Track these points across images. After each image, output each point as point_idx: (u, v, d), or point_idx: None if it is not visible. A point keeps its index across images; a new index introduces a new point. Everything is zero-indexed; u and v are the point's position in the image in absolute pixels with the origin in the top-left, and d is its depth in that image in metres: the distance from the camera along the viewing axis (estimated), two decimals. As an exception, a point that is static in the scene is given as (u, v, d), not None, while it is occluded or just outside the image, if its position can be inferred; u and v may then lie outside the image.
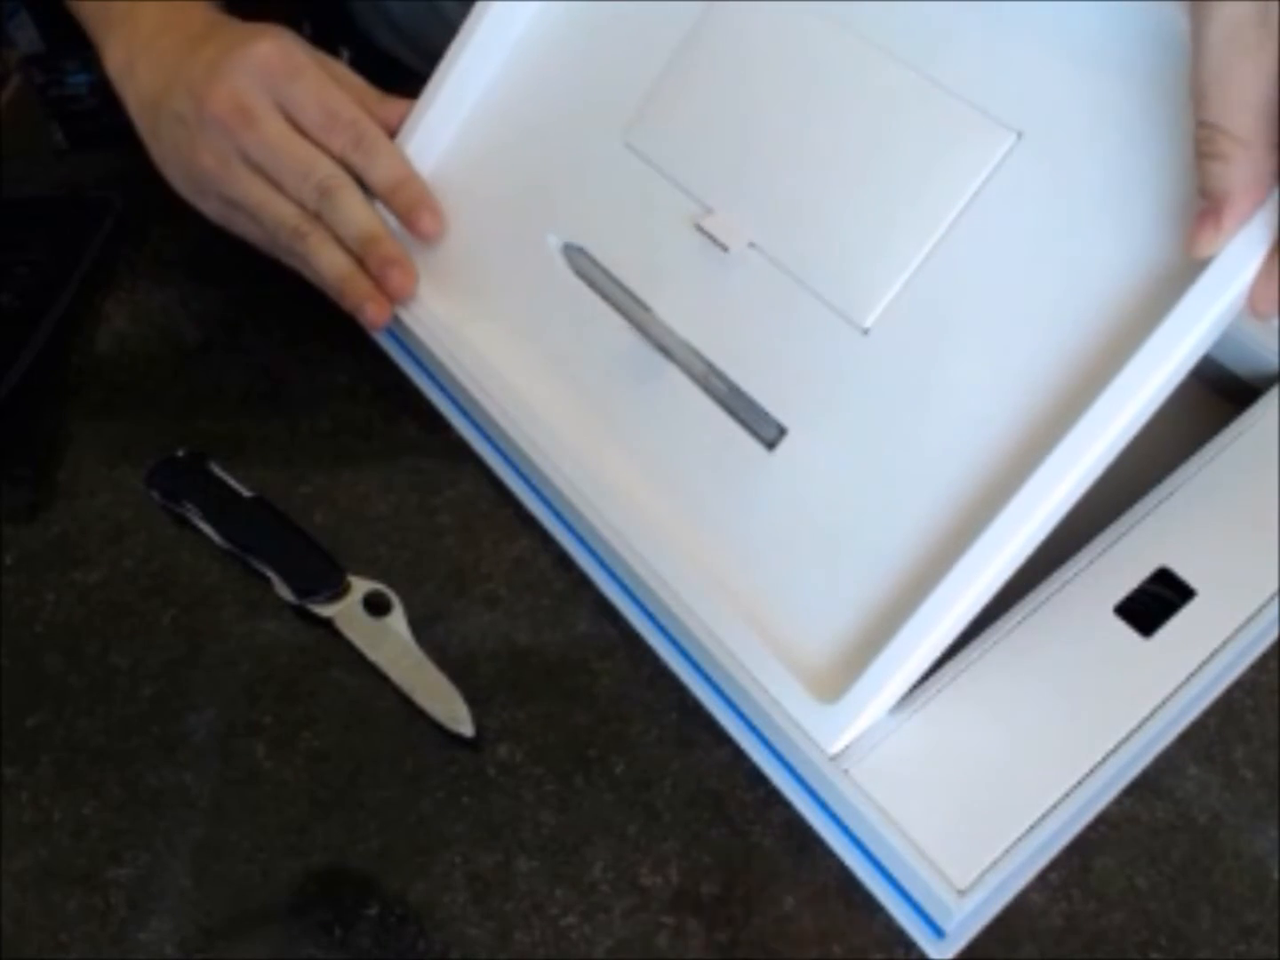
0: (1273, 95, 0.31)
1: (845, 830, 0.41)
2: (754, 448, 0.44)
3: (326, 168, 0.52)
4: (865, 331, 0.42)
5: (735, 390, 0.45)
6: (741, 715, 0.44)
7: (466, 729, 0.45)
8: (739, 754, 0.44)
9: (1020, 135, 0.40)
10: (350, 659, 0.47)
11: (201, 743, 0.46)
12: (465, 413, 0.53)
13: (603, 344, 0.48)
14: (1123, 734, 0.41)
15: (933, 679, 0.41)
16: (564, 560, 0.50)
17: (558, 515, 0.50)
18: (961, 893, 0.38)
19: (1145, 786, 0.43)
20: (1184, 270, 0.36)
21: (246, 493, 0.51)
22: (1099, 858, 0.41)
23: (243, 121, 0.52)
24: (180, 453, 0.53)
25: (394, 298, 0.52)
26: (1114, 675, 0.42)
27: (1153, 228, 0.38)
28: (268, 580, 0.49)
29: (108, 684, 0.48)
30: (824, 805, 0.42)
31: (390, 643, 0.47)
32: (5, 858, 0.44)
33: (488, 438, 0.52)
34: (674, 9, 0.49)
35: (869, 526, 0.42)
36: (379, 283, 0.52)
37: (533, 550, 0.50)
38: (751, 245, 0.45)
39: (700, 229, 0.46)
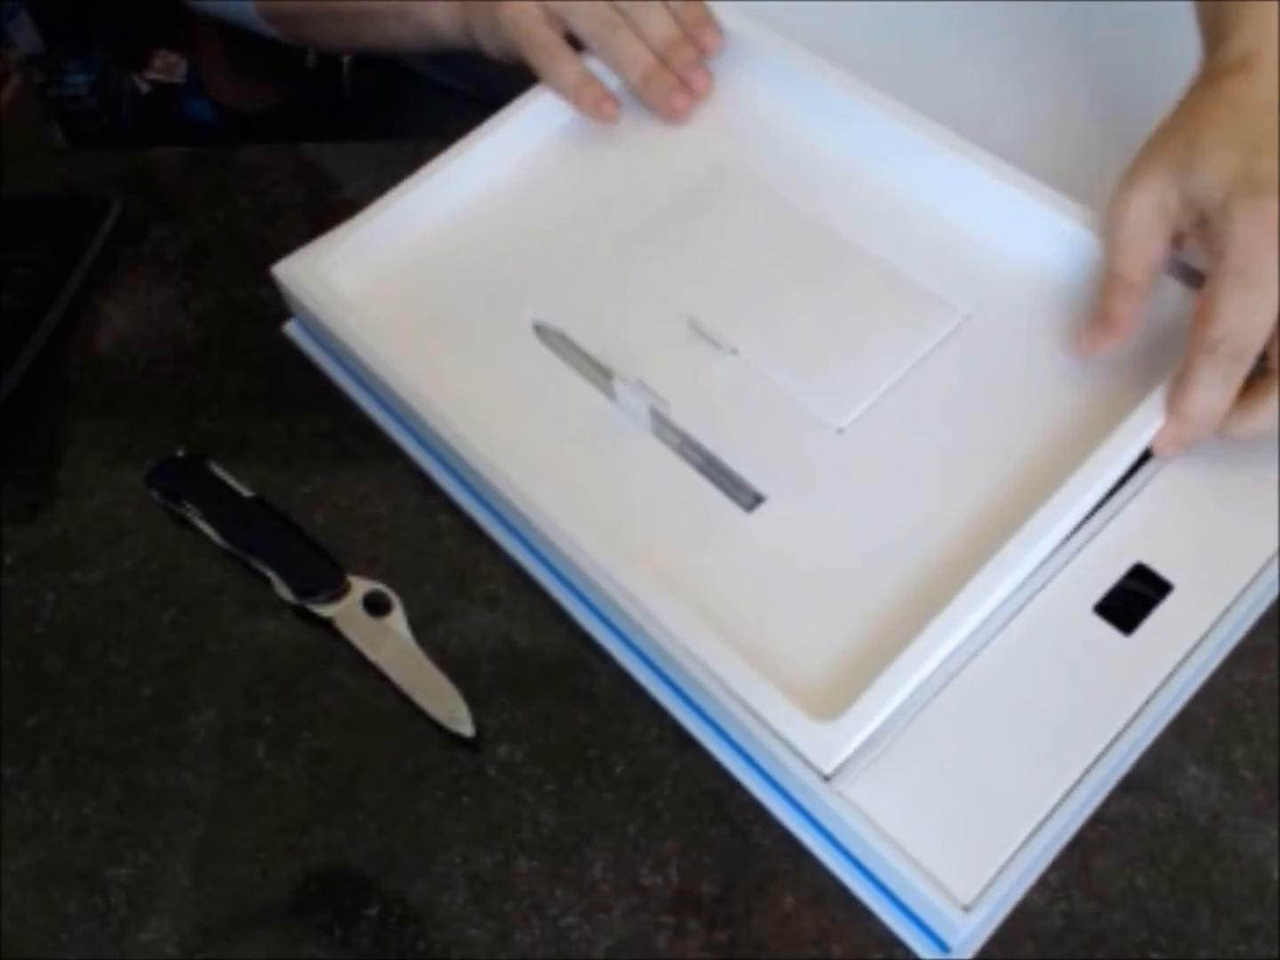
0: (1161, 263, 0.47)
1: (841, 849, 0.41)
2: (733, 508, 0.47)
3: None
4: (840, 430, 0.48)
5: (712, 459, 0.48)
6: (730, 740, 0.43)
7: (466, 729, 0.45)
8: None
9: (969, 317, 0.51)
10: (350, 659, 0.47)
11: (201, 743, 0.46)
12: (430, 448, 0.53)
13: (576, 409, 0.50)
14: (1113, 733, 0.41)
15: (921, 691, 0.41)
16: (564, 560, 0.50)
17: (528, 546, 0.49)
18: (966, 908, 0.37)
19: (1145, 786, 0.43)
20: (1098, 417, 0.47)
21: (246, 493, 0.51)
22: (1099, 858, 0.41)
23: None
24: (180, 453, 0.53)
25: (696, 96, 0.58)
26: (1099, 675, 0.42)
27: (1065, 384, 0.49)
28: (268, 580, 0.49)
29: (108, 684, 0.48)
30: (818, 825, 0.41)
31: (390, 643, 0.47)
32: (5, 858, 0.44)
33: (446, 465, 0.52)
34: (684, 157, 0.58)
35: (850, 571, 0.45)
36: (682, 82, 0.57)
37: (533, 550, 0.50)
38: (734, 352, 0.51)
39: (695, 327, 0.51)
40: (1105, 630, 0.43)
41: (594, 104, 0.58)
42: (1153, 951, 0.40)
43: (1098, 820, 0.42)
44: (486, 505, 0.50)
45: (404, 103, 0.86)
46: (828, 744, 0.39)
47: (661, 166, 0.58)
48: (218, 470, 0.52)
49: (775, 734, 0.40)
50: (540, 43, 0.58)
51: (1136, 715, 0.41)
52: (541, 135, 0.59)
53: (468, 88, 0.82)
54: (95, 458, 0.55)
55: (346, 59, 0.97)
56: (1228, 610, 0.43)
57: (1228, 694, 0.44)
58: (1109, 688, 0.42)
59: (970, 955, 0.40)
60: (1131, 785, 0.43)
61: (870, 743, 0.40)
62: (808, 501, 0.47)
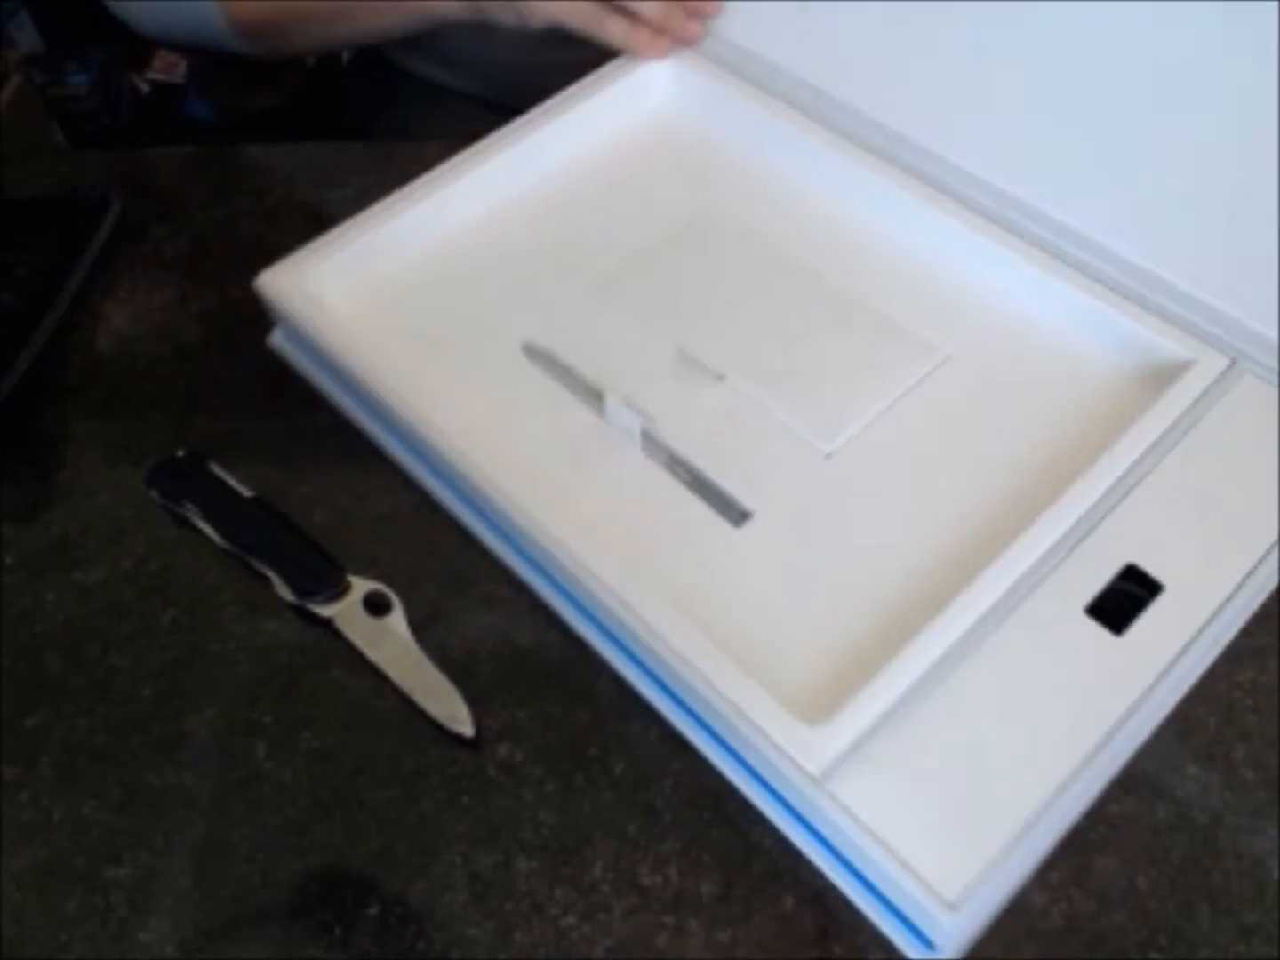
0: None
1: (832, 850, 0.41)
2: (721, 524, 0.48)
3: None
4: (828, 456, 0.49)
5: (700, 477, 0.49)
6: (724, 743, 0.43)
7: (466, 729, 0.45)
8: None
9: (949, 357, 0.52)
10: (350, 659, 0.47)
11: (201, 743, 0.46)
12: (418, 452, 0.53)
13: (567, 426, 0.51)
14: (1103, 733, 0.41)
15: (911, 693, 0.41)
16: (564, 560, 0.50)
17: (523, 554, 0.49)
18: (951, 906, 0.37)
19: (1145, 786, 0.43)
20: (1074, 447, 0.48)
21: (246, 493, 0.51)
22: (1099, 858, 0.41)
23: None
24: (180, 453, 0.53)
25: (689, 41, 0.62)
26: (1090, 675, 0.42)
27: (1040, 417, 0.50)
28: (268, 580, 0.49)
29: (108, 684, 0.48)
30: (809, 826, 0.42)
31: (390, 643, 0.47)
32: (5, 858, 0.44)
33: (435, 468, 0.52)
34: (675, 200, 0.59)
35: (839, 583, 0.46)
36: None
37: (533, 550, 0.50)
38: (722, 378, 0.52)
39: (684, 353, 0.52)
40: (1096, 631, 0.43)
41: (647, 45, 0.61)
42: (1153, 951, 0.40)
43: (1098, 820, 0.42)
44: (480, 512, 0.50)
45: (404, 103, 0.86)
46: (817, 746, 0.40)
47: (653, 207, 0.59)
48: (218, 470, 0.52)
49: (766, 737, 0.40)
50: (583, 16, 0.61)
51: (1128, 714, 0.41)
52: (536, 170, 0.59)
53: (468, 87, 0.82)
54: (95, 458, 0.55)
55: (346, 58, 0.97)
56: (1220, 610, 0.43)
57: (1228, 694, 0.44)
58: (1100, 687, 0.42)
59: (959, 956, 0.39)
60: (1131, 785, 0.43)
61: (859, 744, 0.40)
62: (795, 518, 0.48)
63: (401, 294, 0.55)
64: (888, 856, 0.38)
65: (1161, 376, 0.49)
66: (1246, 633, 0.44)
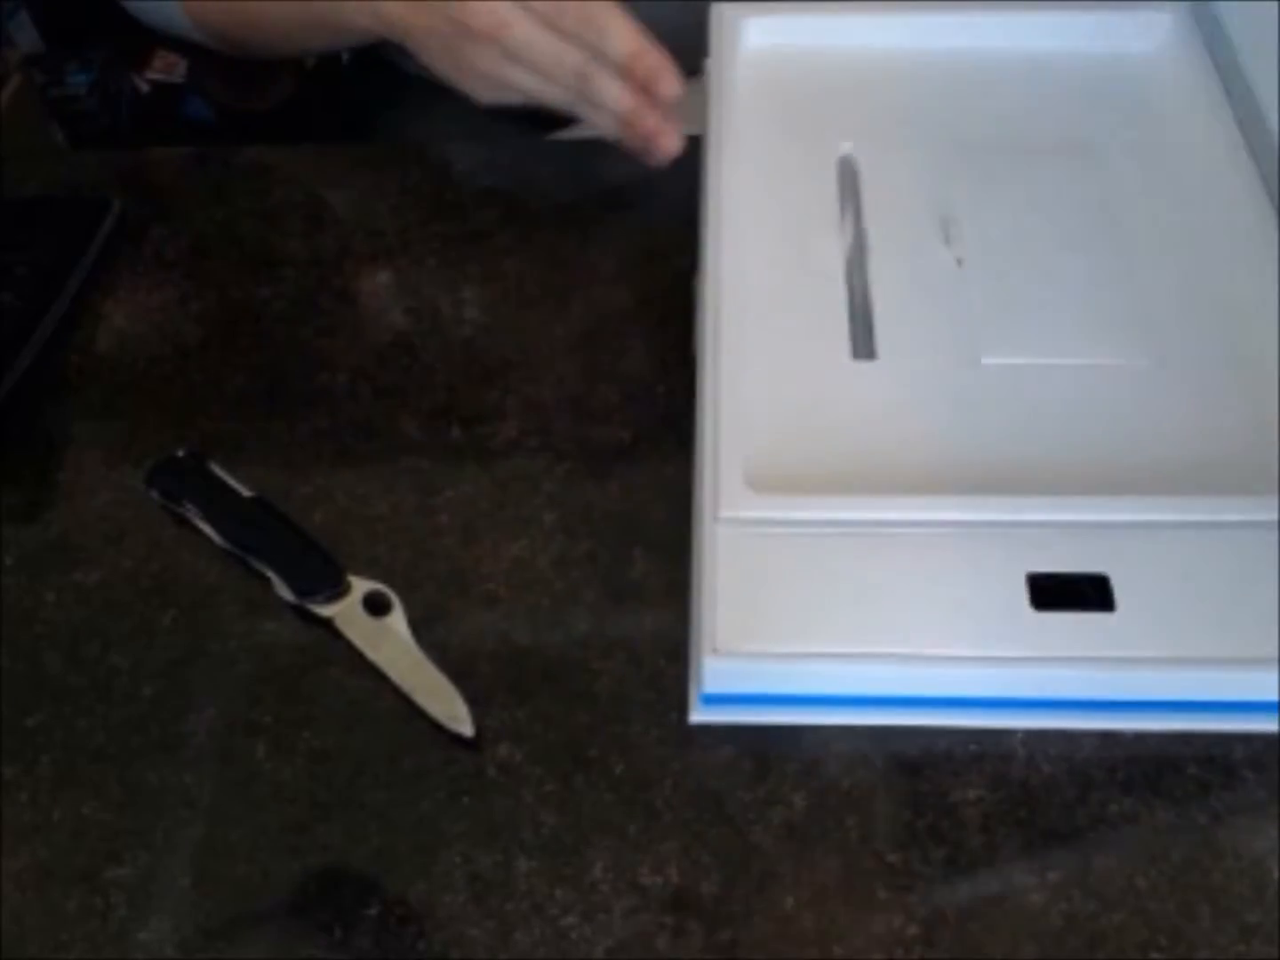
0: None
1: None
2: (846, 349, 0.52)
3: (573, 57, 0.56)
4: (978, 365, 0.51)
5: (864, 308, 0.54)
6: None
7: (466, 729, 0.45)
8: (739, 754, 0.44)
9: (1154, 367, 0.51)
10: (350, 659, 0.47)
11: (201, 743, 0.46)
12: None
13: (811, 227, 0.57)
14: (940, 654, 0.43)
15: (840, 523, 0.45)
16: (564, 560, 0.50)
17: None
18: (715, 651, 0.42)
19: (1145, 786, 0.43)
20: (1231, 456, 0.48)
21: (246, 493, 0.51)
22: (1099, 858, 0.41)
23: (498, 27, 0.56)
24: (180, 453, 0.53)
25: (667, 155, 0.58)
26: (974, 618, 0.43)
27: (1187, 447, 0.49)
28: (268, 580, 0.49)
29: (108, 684, 0.48)
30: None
31: (390, 643, 0.47)
32: (5, 858, 0.44)
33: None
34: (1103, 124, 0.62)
35: (881, 439, 0.49)
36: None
37: (533, 550, 0.50)
38: (959, 262, 0.55)
39: (944, 224, 0.56)
40: (1019, 595, 0.43)
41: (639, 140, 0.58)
42: (1153, 951, 0.40)
43: (1098, 820, 0.42)
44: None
45: (404, 103, 0.86)
46: (739, 501, 0.45)
47: (1045, 118, 0.61)
48: (218, 470, 0.52)
49: (716, 473, 0.46)
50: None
51: (957, 663, 0.43)
52: (977, 40, 0.63)
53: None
54: (95, 458, 0.55)
55: (346, 58, 0.97)
56: (1119, 664, 0.42)
57: (1228, 694, 0.44)
58: (971, 633, 0.43)
59: (721, 719, 0.45)
60: (1131, 785, 0.43)
61: (765, 525, 0.45)
62: (908, 379, 0.51)
63: (797, 72, 0.63)
64: (710, 593, 0.44)
65: None
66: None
